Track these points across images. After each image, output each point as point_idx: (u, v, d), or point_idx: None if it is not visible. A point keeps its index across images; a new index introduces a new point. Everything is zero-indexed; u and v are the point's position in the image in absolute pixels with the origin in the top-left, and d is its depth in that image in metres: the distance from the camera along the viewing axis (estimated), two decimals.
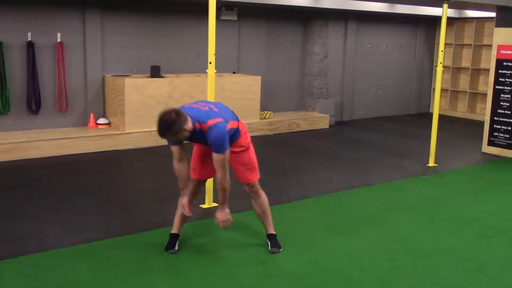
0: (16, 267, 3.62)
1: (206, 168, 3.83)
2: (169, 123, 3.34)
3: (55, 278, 3.48)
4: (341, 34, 9.98)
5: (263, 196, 3.98)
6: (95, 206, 4.94)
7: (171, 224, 4.04)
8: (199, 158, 3.85)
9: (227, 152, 3.52)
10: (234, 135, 3.67)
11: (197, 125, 3.46)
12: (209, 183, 4.87)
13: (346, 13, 9.65)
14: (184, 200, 3.78)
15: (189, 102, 3.73)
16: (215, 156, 3.48)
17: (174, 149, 3.65)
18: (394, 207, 5.19)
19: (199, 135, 3.52)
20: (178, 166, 3.71)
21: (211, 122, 3.43)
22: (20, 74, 6.93)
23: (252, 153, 3.86)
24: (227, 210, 3.68)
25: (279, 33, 9.30)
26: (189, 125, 3.40)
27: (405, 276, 3.69)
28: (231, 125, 3.60)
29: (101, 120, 7.52)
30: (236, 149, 3.76)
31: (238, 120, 3.75)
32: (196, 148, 3.88)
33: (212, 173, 3.81)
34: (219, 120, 3.46)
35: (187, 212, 3.77)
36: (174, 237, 3.96)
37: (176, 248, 3.92)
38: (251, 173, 3.86)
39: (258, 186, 3.93)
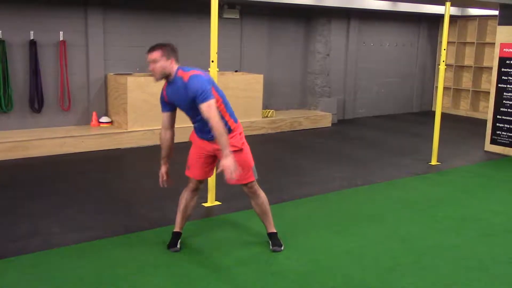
0: (19, 266, 3.63)
1: (201, 170, 3.89)
2: (154, 45, 3.57)
3: (58, 276, 3.49)
4: (344, 32, 9.96)
5: (262, 196, 3.96)
6: (97, 204, 4.94)
7: (173, 222, 4.05)
8: (194, 158, 3.88)
9: (213, 100, 3.46)
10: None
11: (180, 72, 3.57)
12: (211, 180, 4.87)
13: (348, 11, 9.64)
14: (162, 169, 3.87)
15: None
16: (203, 106, 3.43)
17: (164, 115, 3.77)
18: (396, 205, 5.19)
19: (181, 87, 3.54)
20: (164, 134, 3.81)
21: (193, 72, 3.53)
22: (22, 72, 6.94)
23: (246, 154, 3.82)
24: (231, 157, 3.43)
25: (281, 31, 9.30)
26: (171, 59, 3.53)
27: (407, 274, 3.68)
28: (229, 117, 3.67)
29: (104, 119, 7.52)
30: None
31: (236, 122, 3.79)
32: (193, 148, 3.90)
33: (206, 175, 3.97)
34: (202, 73, 3.54)
35: (161, 183, 3.86)
36: (176, 236, 3.97)
37: (178, 246, 3.93)
38: (247, 173, 3.81)
39: (256, 187, 3.91)
